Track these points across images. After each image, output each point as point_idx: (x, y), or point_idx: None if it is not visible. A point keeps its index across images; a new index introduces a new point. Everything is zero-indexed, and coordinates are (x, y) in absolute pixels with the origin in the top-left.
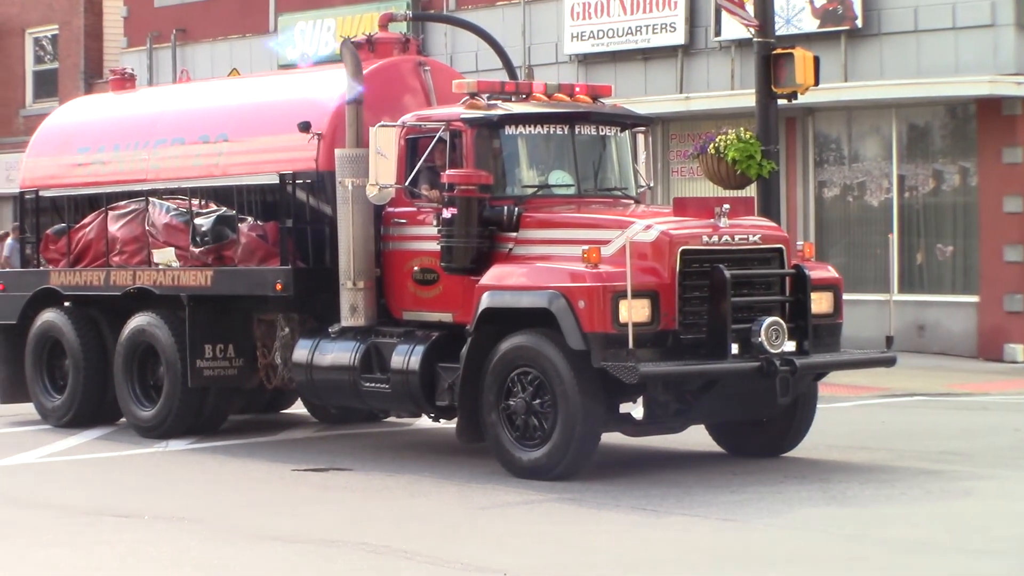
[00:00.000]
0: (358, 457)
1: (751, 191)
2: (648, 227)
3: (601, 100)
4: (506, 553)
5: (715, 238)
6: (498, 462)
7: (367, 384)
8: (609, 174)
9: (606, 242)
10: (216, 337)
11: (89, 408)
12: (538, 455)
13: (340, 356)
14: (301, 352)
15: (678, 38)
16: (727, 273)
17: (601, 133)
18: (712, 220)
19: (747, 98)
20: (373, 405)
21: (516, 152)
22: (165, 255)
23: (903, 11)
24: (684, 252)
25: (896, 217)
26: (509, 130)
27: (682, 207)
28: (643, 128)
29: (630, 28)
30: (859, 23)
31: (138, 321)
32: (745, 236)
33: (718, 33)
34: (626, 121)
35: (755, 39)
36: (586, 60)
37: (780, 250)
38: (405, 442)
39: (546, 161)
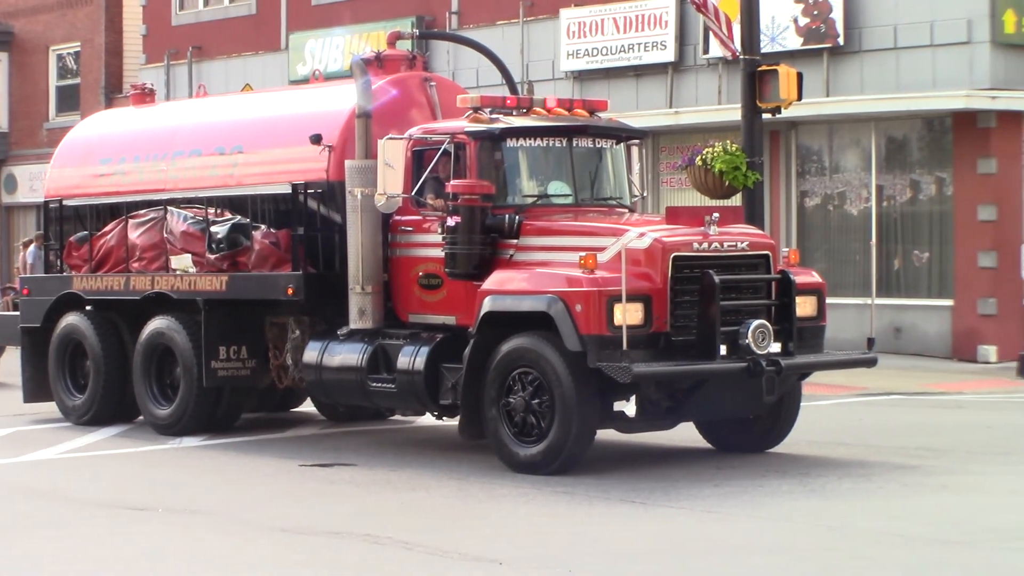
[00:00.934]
0: (362, 453)
1: (737, 201)
2: (642, 235)
3: (597, 114)
4: (502, 544)
5: (705, 245)
6: (497, 457)
7: (374, 384)
8: (605, 184)
9: (602, 249)
10: (230, 339)
11: (108, 407)
12: (536, 451)
13: (348, 357)
14: (311, 353)
15: (668, 56)
16: (716, 278)
17: (597, 145)
18: (702, 228)
19: (733, 112)
20: (380, 404)
21: (517, 163)
22: (182, 261)
23: (883, 29)
24: (676, 258)
25: (875, 225)
26: (510, 142)
27: (674, 216)
28: (637, 141)
29: (623, 46)
30: (841, 41)
31: (156, 324)
32: (733, 243)
33: (706, 51)
34: (621, 134)
35: (741, 56)
36: (581, 76)
37: (767, 256)
38: (407, 439)
39: (545, 172)
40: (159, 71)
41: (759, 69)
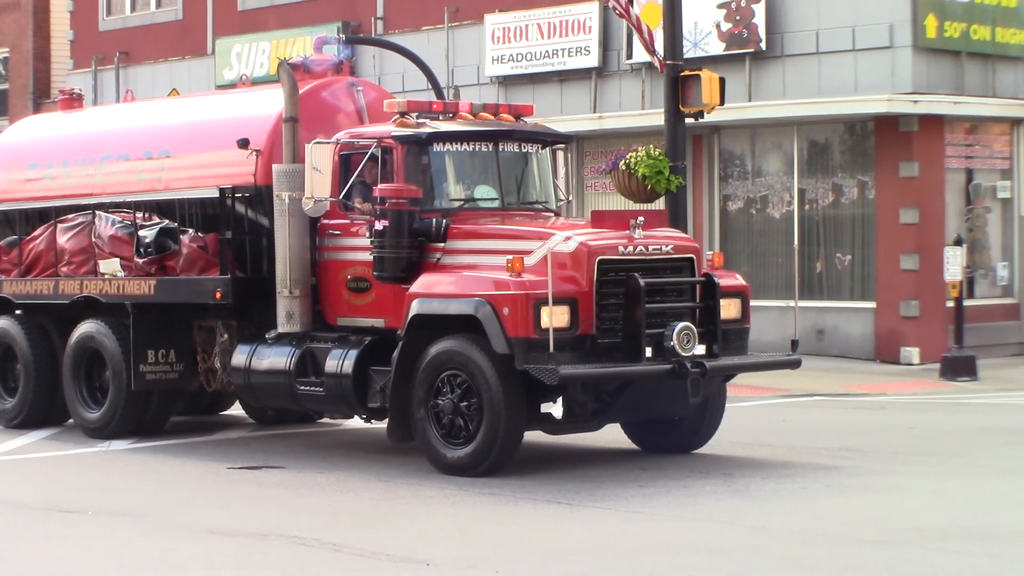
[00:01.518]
0: (290, 456)
1: (660, 205)
2: (568, 238)
3: (523, 119)
4: (429, 545)
5: (630, 248)
6: (425, 459)
7: (302, 387)
8: (531, 188)
9: (528, 252)
10: (159, 343)
11: (39, 410)
12: (464, 453)
13: (277, 360)
14: (240, 357)
15: (592, 61)
16: (642, 281)
17: (523, 150)
18: (627, 232)
19: (656, 117)
20: (308, 407)
21: (444, 167)
22: (111, 265)
23: (805, 34)
24: (601, 262)
25: (797, 228)
26: (437, 147)
27: (599, 219)
28: (562, 145)
29: (547, 51)
30: (763, 46)
31: (85, 328)
32: (658, 246)
33: (629, 56)
34: (546, 138)
35: (665, 61)
36: (506, 82)
37: (691, 259)
38: (334, 442)
39: (472, 176)
40: (86, 76)
41: (682, 74)
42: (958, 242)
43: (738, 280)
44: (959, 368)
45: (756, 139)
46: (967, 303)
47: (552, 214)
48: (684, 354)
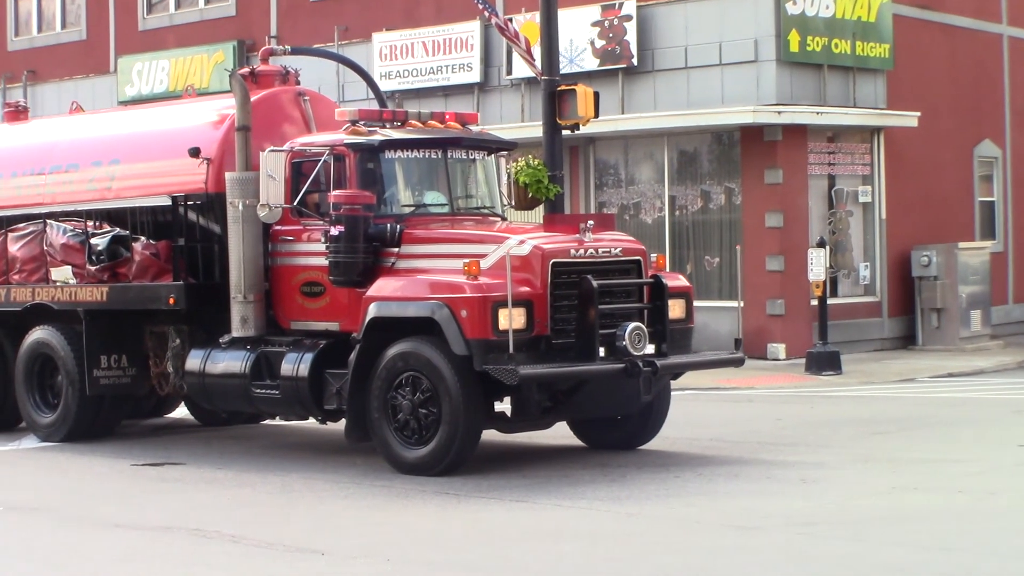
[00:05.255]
0: (190, 453)
1: (539, 212)
2: (522, 242)
3: (469, 126)
4: (324, 535)
5: (581, 251)
6: (384, 460)
7: (258, 390)
8: (478, 194)
9: (483, 256)
10: (111, 348)
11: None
12: (423, 453)
13: (231, 364)
14: (194, 361)
15: (474, 76)
16: (595, 283)
17: (471, 156)
18: (578, 235)
19: (535, 129)
20: (263, 409)
21: (395, 174)
22: (63, 273)
23: (674, 50)
24: (555, 264)
25: (668, 233)
26: (389, 154)
27: (551, 223)
28: (506, 152)
29: (432, 68)
30: (635, 61)
31: (38, 335)
32: (608, 249)
33: (509, 72)
34: (492, 145)
35: (541, 77)
36: (393, 96)
37: (639, 262)
38: (233, 439)
39: (422, 182)
40: None
41: (558, 89)
42: (821, 244)
43: (682, 281)
44: (824, 363)
45: (629, 149)
46: (831, 302)
47: (499, 218)
48: (636, 353)
